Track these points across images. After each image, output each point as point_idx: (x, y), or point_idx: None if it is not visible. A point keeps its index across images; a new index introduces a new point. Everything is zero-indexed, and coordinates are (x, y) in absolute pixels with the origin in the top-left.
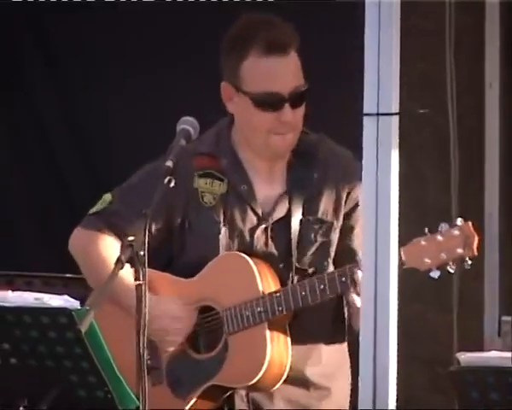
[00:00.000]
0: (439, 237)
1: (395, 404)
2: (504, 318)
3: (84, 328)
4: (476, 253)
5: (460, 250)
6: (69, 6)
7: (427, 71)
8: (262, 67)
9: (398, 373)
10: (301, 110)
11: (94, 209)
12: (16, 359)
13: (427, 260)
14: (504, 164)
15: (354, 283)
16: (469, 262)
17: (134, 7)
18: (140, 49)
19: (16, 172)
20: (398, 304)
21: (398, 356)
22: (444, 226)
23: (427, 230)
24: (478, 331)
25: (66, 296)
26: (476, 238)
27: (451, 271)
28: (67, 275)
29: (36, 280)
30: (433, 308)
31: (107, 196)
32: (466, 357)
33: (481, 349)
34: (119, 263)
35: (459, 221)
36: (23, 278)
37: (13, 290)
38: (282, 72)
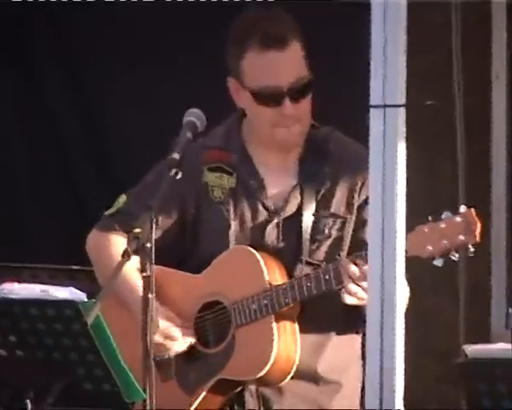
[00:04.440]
0: (442, 225)
1: (402, 404)
2: (511, 310)
3: (90, 320)
4: (478, 239)
5: (462, 237)
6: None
7: (434, 63)
8: (260, 61)
9: (407, 365)
10: (306, 102)
11: (109, 211)
12: (23, 351)
13: (429, 248)
14: (511, 154)
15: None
16: (472, 250)
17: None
18: (152, 41)
19: (24, 164)
20: (409, 296)
21: (407, 349)
22: (447, 214)
23: (430, 218)
24: (485, 324)
25: (72, 289)
26: (479, 225)
27: (455, 258)
28: (74, 267)
29: (42, 272)
30: (442, 301)
31: (122, 198)
32: (473, 349)
33: (488, 341)
34: (126, 255)
35: (462, 208)
36: (29, 270)
37: (19, 283)
38: (280, 65)
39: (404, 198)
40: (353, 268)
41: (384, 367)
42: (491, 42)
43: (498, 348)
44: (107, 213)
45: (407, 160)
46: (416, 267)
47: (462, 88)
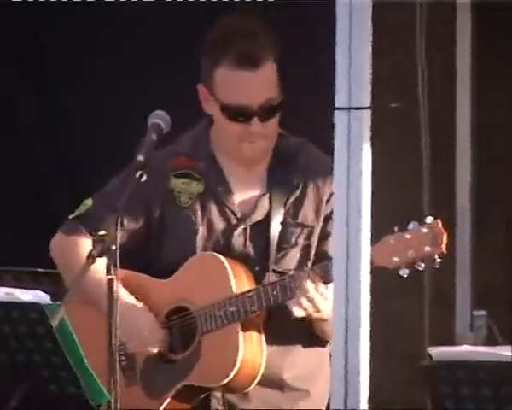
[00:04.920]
0: (408, 236)
1: (367, 405)
2: (476, 312)
3: (55, 323)
4: (445, 251)
5: (428, 248)
6: (43, 5)
7: (399, 65)
8: (232, 79)
9: (372, 368)
10: (273, 121)
11: (74, 214)
12: None
13: (395, 259)
14: (476, 156)
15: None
16: (438, 260)
17: (112, 7)
18: (121, 50)
19: None
20: (372, 302)
21: (374, 351)
22: (413, 224)
23: (396, 228)
24: (450, 326)
25: (37, 291)
26: (445, 236)
27: (420, 269)
28: (38, 270)
29: (6, 275)
30: (407, 304)
31: (88, 201)
32: (437, 352)
33: (453, 344)
34: (91, 258)
35: (429, 219)
36: None
37: None
38: (251, 85)
39: (369, 201)
40: (308, 284)
41: (349, 370)
42: (456, 44)
43: (462, 350)
44: (71, 216)
45: (372, 162)
46: (382, 272)
47: (427, 90)
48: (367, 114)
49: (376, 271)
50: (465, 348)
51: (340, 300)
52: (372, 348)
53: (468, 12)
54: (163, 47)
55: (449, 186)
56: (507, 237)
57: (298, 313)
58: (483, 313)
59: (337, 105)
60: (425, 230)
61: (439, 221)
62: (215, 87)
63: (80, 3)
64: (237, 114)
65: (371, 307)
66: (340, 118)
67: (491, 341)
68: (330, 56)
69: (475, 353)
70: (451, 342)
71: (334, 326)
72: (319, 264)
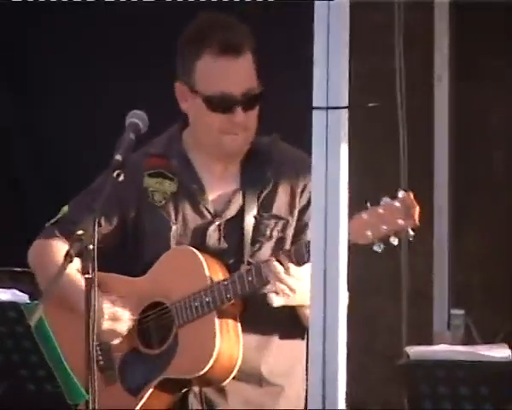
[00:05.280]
0: (380, 210)
1: (344, 404)
2: (454, 311)
3: (33, 322)
4: (417, 223)
5: (401, 221)
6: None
7: (377, 64)
8: (215, 67)
9: (351, 367)
10: (254, 112)
11: (51, 221)
12: None
13: (368, 234)
14: (454, 156)
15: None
16: (412, 233)
17: (92, 7)
18: (101, 54)
19: None
20: (349, 301)
21: (352, 350)
22: (385, 200)
23: (368, 204)
24: (427, 325)
25: (15, 290)
26: (417, 209)
27: (394, 243)
28: (16, 269)
29: None
30: (385, 303)
31: (65, 208)
32: (415, 351)
33: (431, 343)
34: (68, 257)
35: (401, 193)
36: None
37: None
38: (234, 73)
39: (346, 200)
40: (278, 266)
41: (326, 368)
42: (434, 43)
43: (440, 349)
44: (49, 223)
45: (350, 162)
46: (360, 270)
47: (405, 89)
48: (345, 113)
49: (354, 268)
50: (443, 347)
51: (318, 298)
52: (349, 347)
53: (445, 11)
54: (160, 48)
55: (426, 185)
56: (484, 235)
57: (276, 301)
58: (461, 311)
59: (315, 104)
60: (397, 203)
61: (410, 194)
62: (196, 81)
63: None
64: (221, 102)
65: (349, 307)
66: (318, 117)
67: (468, 340)
68: (308, 55)
69: (453, 352)
70: (429, 341)
71: (311, 326)
72: (282, 250)
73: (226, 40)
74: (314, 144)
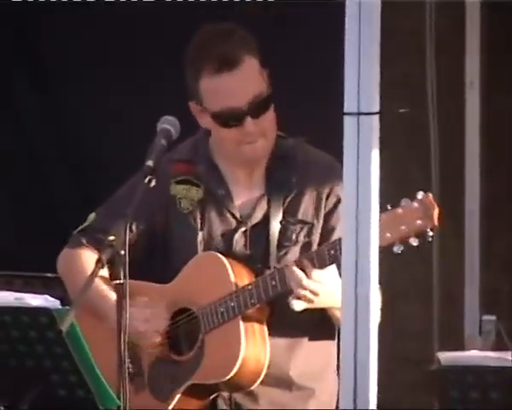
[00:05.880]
0: (399, 211)
1: (375, 404)
2: (485, 317)
3: (64, 327)
4: (436, 223)
5: (419, 222)
6: (60, 13)
7: (408, 70)
8: (216, 85)
9: (380, 371)
10: (268, 116)
11: (79, 228)
12: None
13: (387, 235)
14: (485, 162)
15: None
16: (431, 234)
17: (132, 10)
18: (133, 62)
19: None
20: (380, 304)
21: (382, 355)
22: (405, 201)
23: (388, 206)
24: (459, 331)
25: (46, 296)
26: (436, 209)
27: (415, 244)
28: (48, 275)
29: (16, 280)
30: (416, 308)
31: (91, 215)
32: (446, 356)
33: (462, 348)
34: (100, 263)
35: (420, 194)
36: (3, 277)
37: None
38: (235, 86)
39: (377, 206)
40: (298, 272)
41: (358, 371)
42: (465, 49)
43: (471, 355)
44: (77, 230)
45: (380, 168)
46: (391, 274)
47: (436, 95)
48: (376, 119)
49: (384, 273)
50: (474, 352)
51: (349, 301)
52: (380, 350)
53: (477, 17)
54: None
55: (458, 191)
56: None
57: (297, 305)
58: (492, 317)
59: (346, 110)
60: (416, 204)
61: (430, 195)
62: (202, 99)
63: (81, 3)
64: (229, 118)
65: (379, 311)
66: (349, 123)
67: (500, 345)
68: (340, 61)
69: (484, 358)
70: (460, 346)
71: (342, 327)
72: (305, 254)
73: (223, 54)
74: (345, 150)
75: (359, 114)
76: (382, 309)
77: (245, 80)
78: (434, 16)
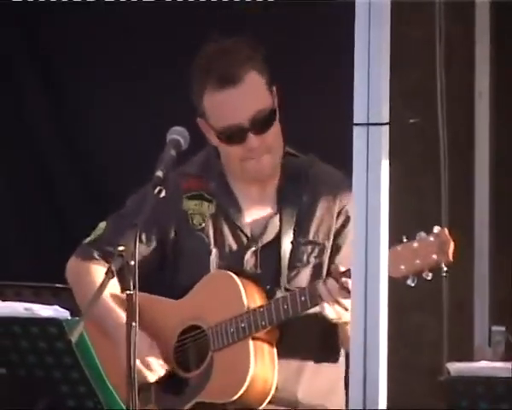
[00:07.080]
0: (415, 244)
1: None
2: (495, 328)
3: (74, 338)
4: (451, 259)
5: (435, 256)
6: (66, 14)
7: (418, 80)
8: (218, 102)
9: (390, 381)
10: (273, 130)
11: (89, 238)
12: (6, 369)
13: (402, 267)
14: (495, 174)
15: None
16: (445, 269)
17: (138, 13)
18: (142, 69)
19: (5, 181)
20: (390, 314)
21: (392, 366)
22: (421, 234)
23: (404, 238)
24: (468, 341)
25: (56, 307)
26: (452, 244)
27: (428, 278)
28: (57, 285)
29: (25, 290)
30: (425, 318)
31: (102, 224)
32: (456, 367)
33: (472, 359)
34: (109, 273)
35: (436, 229)
36: (12, 288)
37: (2, 301)
38: (237, 102)
39: (387, 216)
40: (324, 290)
41: (367, 383)
42: (475, 59)
43: (481, 365)
44: (86, 240)
45: (390, 178)
46: (401, 285)
47: (446, 105)
48: (386, 129)
49: (394, 285)
50: (484, 363)
51: (358, 312)
52: (390, 361)
53: (487, 26)
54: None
55: (467, 200)
56: None
57: (331, 313)
58: (502, 328)
59: (356, 121)
60: (432, 238)
61: (445, 230)
62: (206, 115)
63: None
64: (231, 135)
65: (389, 321)
66: (359, 133)
67: (509, 356)
68: (349, 71)
69: (494, 368)
70: (470, 356)
71: (352, 338)
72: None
73: (224, 71)
74: (355, 161)
75: (369, 124)
76: (392, 320)
77: (246, 96)
78: (444, 25)
